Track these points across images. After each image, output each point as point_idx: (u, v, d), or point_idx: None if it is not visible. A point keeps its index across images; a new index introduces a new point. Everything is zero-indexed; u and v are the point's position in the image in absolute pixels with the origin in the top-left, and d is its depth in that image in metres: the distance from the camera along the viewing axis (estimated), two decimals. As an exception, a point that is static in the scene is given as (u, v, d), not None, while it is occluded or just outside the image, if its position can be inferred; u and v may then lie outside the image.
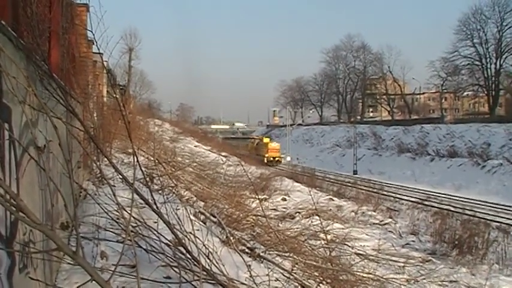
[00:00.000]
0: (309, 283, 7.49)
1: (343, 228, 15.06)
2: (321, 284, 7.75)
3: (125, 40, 67.97)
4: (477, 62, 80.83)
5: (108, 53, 5.88)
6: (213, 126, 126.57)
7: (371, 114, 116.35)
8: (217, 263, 5.82)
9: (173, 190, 10.44)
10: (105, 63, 11.83)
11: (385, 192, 38.37)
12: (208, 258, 5.80)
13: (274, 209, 17.85)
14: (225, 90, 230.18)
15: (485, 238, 18.10)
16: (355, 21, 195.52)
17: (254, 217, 11.02)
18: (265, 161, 71.89)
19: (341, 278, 8.59)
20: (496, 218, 28.78)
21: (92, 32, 5.04)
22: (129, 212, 4.64)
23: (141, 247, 5.47)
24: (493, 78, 78.56)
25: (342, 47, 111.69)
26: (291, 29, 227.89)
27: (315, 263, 8.73)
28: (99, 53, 7.08)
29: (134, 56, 73.36)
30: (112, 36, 5.50)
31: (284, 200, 20.69)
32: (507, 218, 29.19)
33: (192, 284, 4.92)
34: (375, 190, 38.15)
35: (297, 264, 8.40)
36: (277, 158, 77.16)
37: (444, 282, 13.03)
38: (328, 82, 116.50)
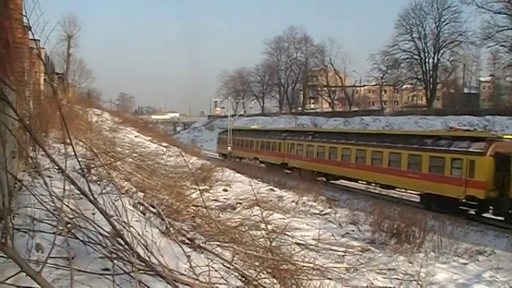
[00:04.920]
0: (250, 273, 7.50)
1: (283, 219, 15.19)
2: (261, 274, 7.77)
3: (63, 27, 66.44)
4: (416, 56, 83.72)
5: (45, 40, 5.71)
6: (153, 117, 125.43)
7: (312, 106, 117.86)
8: (156, 253, 5.75)
9: (112, 181, 10.23)
10: (42, 50, 11.48)
11: (325, 182, 38.86)
12: (147, 249, 5.73)
13: (216, 200, 17.82)
14: (167, 80, 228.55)
15: (422, 227, 18.59)
16: (298, 13, 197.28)
17: (194, 208, 10.95)
18: None
19: (282, 267, 8.66)
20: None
21: (26, 17, 4.88)
22: (66, 203, 4.53)
23: (78, 239, 5.34)
24: (431, 72, 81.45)
25: (284, 38, 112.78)
26: (234, 19, 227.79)
27: (255, 253, 8.76)
28: (36, 40, 6.87)
29: (73, 43, 71.81)
30: (48, 22, 5.35)
31: (225, 190, 20.69)
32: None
33: (131, 275, 4.84)
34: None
35: (237, 254, 8.39)
36: None
37: (383, 270, 13.34)
38: (270, 73, 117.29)
